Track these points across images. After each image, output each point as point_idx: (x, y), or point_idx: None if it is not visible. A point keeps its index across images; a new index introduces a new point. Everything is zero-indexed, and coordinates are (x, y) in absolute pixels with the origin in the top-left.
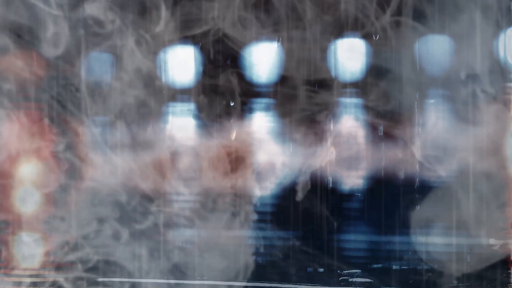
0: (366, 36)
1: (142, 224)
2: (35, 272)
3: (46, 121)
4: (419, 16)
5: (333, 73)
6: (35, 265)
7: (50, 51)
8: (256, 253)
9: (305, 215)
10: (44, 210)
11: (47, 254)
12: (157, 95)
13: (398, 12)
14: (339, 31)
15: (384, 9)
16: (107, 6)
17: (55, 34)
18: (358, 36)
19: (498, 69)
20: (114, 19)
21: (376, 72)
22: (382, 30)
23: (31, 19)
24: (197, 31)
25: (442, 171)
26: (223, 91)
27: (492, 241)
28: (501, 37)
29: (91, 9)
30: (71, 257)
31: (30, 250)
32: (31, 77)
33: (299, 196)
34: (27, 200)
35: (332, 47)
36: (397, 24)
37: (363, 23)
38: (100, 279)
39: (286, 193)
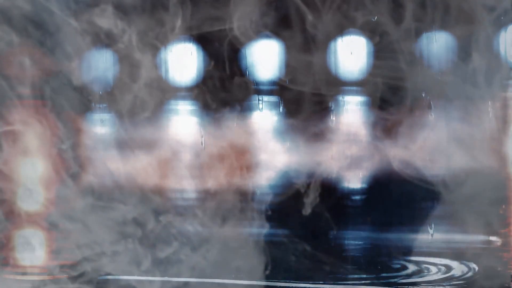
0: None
1: (144, 226)
2: (38, 272)
3: (47, 118)
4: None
5: (334, 72)
6: (36, 262)
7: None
8: (260, 252)
9: (308, 214)
10: (45, 207)
11: (47, 251)
12: (158, 94)
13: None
14: (342, 29)
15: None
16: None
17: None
18: (360, 34)
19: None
20: (123, 27)
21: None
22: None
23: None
24: (202, 31)
25: (442, 170)
26: (225, 90)
27: (493, 238)
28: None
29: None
30: (69, 253)
31: (31, 247)
32: (36, 74)
33: (307, 210)
34: (30, 201)
35: (334, 46)
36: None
37: (366, 21)
38: (101, 277)
39: (290, 192)
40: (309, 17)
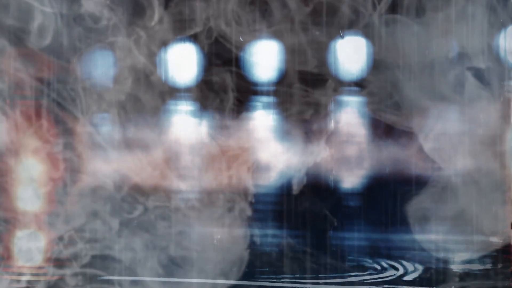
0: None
1: (141, 222)
2: (35, 270)
3: (44, 119)
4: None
5: (333, 71)
6: (34, 262)
7: (37, 42)
8: (254, 250)
9: (303, 213)
10: (43, 207)
11: (46, 251)
12: (156, 93)
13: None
14: (339, 29)
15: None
16: (104, 4)
17: (43, 26)
18: (358, 33)
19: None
20: (111, 16)
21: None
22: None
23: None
24: (197, 30)
25: (444, 169)
26: (222, 90)
27: (493, 239)
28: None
29: (88, 6)
30: (68, 253)
31: (29, 247)
32: (30, 76)
33: (294, 189)
34: (26, 198)
35: (332, 45)
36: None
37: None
38: (100, 278)
39: (284, 191)
40: (310, 16)
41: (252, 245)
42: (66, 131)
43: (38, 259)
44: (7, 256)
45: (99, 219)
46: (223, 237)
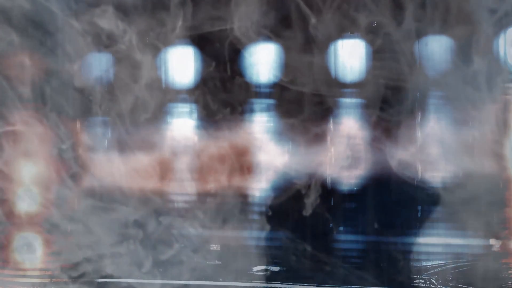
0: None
1: (145, 228)
2: (37, 273)
3: (48, 122)
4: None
5: (333, 74)
6: (37, 266)
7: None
8: (258, 254)
9: (309, 215)
10: (46, 211)
11: (49, 256)
12: (159, 95)
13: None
14: (340, 31)
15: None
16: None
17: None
18: (358, 36)
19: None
20: (124, 27)
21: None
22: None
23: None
24: (203, 31)
25: (441, 172)
26: (225, 92)
27: (492, 241)
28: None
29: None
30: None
31: (32, 251)
32: (33, 76)
33: (308, 211)
34: (30, 202)
35: (333, 48)
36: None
37: (364, 23)
38: (99, 280)
39: (291, 194)
40: (310, 18)
41: (255, 247)
42: (69, 132)
43: (39, 260)
44: (8, 258)
45: (100, 221)
46: (225, 239)
